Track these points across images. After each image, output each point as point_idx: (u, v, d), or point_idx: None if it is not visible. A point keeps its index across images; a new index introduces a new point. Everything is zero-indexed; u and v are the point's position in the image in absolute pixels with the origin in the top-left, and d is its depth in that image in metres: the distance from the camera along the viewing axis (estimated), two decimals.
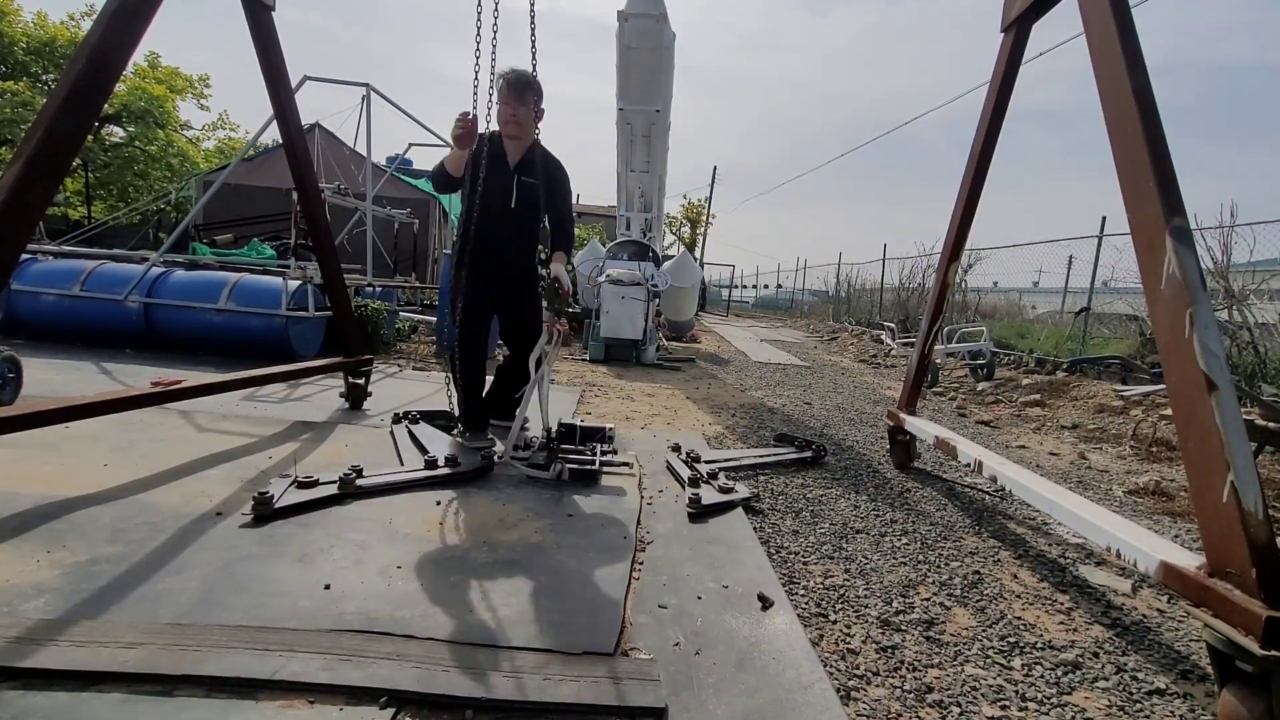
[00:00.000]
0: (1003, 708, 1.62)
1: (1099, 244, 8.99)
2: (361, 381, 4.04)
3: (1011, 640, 1.95)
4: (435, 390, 4.93)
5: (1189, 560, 1.74)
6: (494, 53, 2.85)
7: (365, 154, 8.55)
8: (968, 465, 3.00)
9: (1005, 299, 14.26)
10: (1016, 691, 1.69)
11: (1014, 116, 3.53)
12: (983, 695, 1.66)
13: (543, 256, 3.41)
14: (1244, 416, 1.93)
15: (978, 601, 2.19)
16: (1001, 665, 1.82)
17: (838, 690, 1.60)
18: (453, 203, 12.15)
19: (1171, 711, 1.68)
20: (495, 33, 2.83)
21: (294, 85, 3.61)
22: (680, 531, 2.51)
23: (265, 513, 2.24)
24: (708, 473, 3.10)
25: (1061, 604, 2.24)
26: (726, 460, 3.50)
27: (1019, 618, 2.10)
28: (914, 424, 3.64)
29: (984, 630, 2.00)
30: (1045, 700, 1.67)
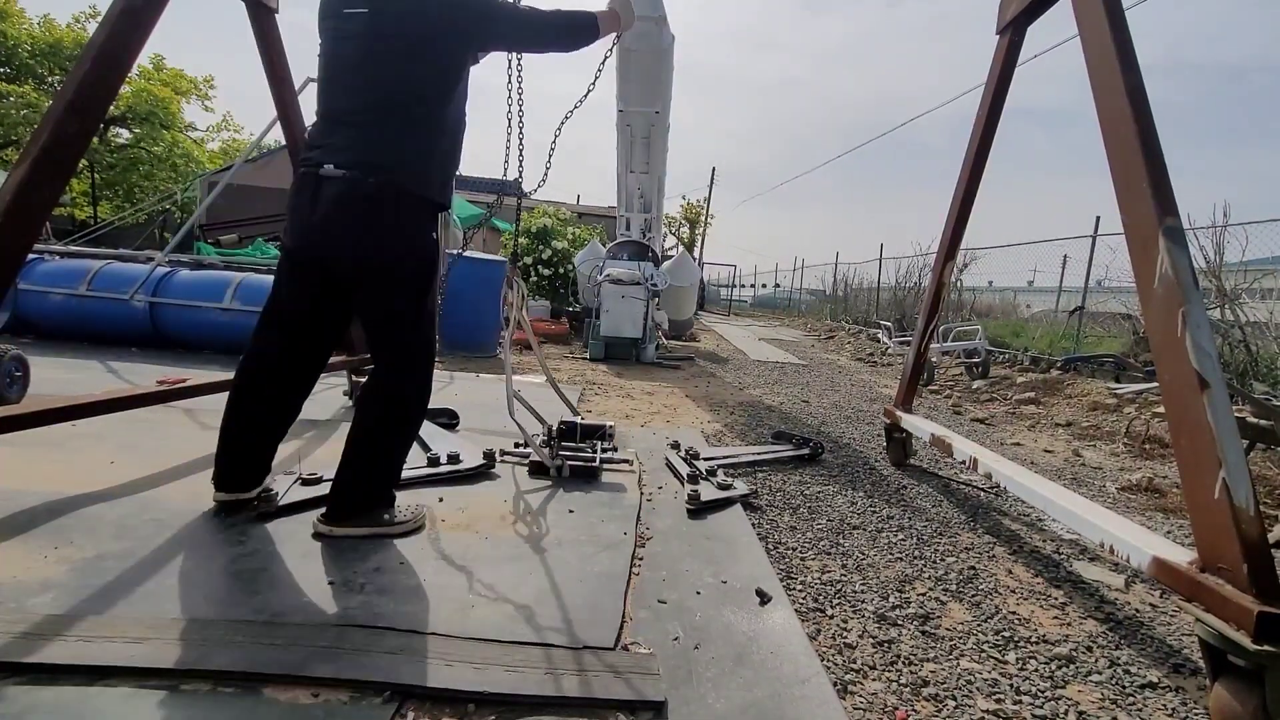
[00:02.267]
0: (997, 701, 1.64)
1: (1093, 244, 9.04)
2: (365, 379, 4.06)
3: (1006, 635, 1.98)
4: (438, 388, 4.93)
5: (1181, 556, 1.76)
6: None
7: None
8: (963, 462, 3.03)
9: (1000, 298, 14.31)
10: (1011, 685, 1.72)
11: (1010, 116, 3.56)
12: (978, 689, 1.69)
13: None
14: (1235, 414, 1.95)
15: (973, 596, 2.22)
16: (996, 659, 1.84)
17: (835, 684, 1.62)
18: (455, 201, 12.16)
19: (1164, 705, 1.70)
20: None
21: (297, 86, 3.63)
22: (679, 527, 2.54)
23: (269, 510, 2.26)
24: (706, 469, 3.13)
25: (1055, 599, 2.26)
26: (725, 457, 3.52)
27: (1014, 613, 2.13)
28: (910, 421, 3.66)
29: (979, 625, 2.03)
30: (1039, 694, 1.69)
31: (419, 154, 2.02)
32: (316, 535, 2.13)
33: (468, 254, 7.04)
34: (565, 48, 2.30)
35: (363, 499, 2.19)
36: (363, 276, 2.07)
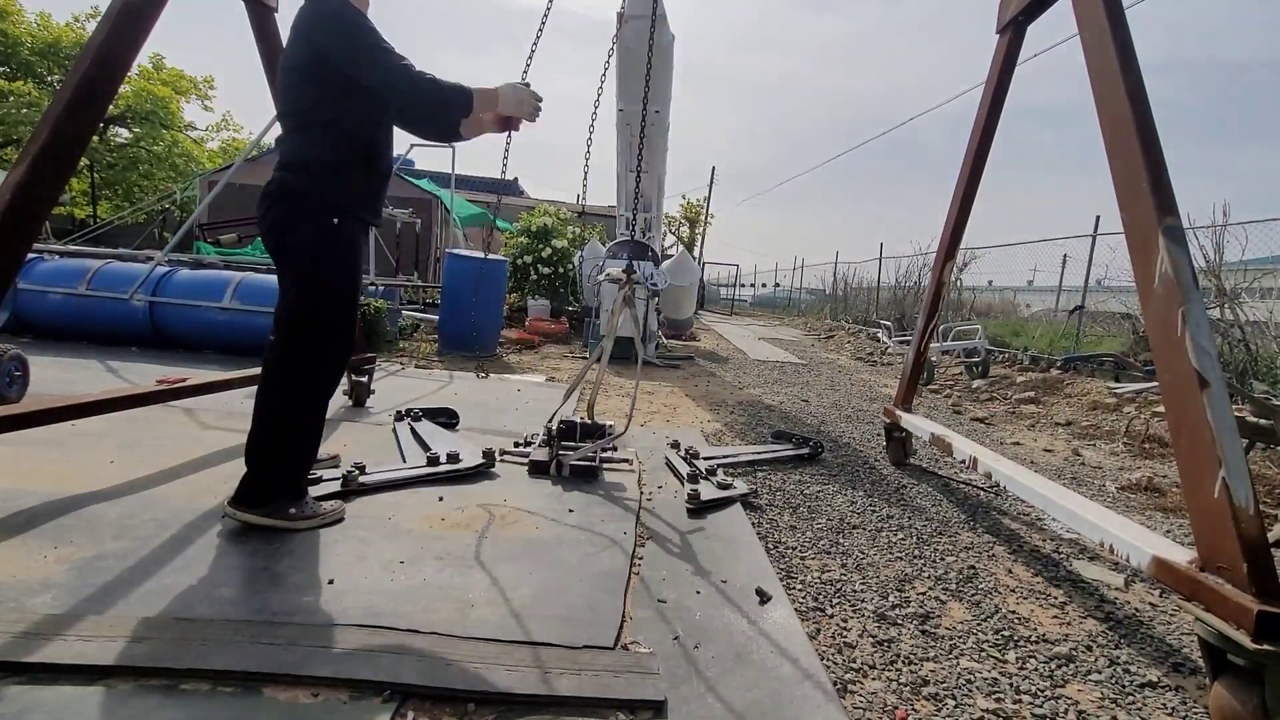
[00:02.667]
0: (997, 700, 1.65)
1: (1093, 243, 9.03)
2: (364, 379, 4.06)
3: (1006, 634, 1.98)
4: (438, 388, 4.96)
5: (1181, 555, 1.76)
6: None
7: None
8: (963, 461, 3.03)
9: (1000, 297, 14.32)
10: (1011, 684, 1.72)
11: (1011, 114, 3.56)
12: (977, 688, 1.69)
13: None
14: (1235, 413, 1.95)
15: (973, 596, 2.22)
16: (996, 659, 1.84)
17: (835, 683, 1.63)
18: (454, 201, 12.17)
19: (1163, 704, 1.70)
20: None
21: None
22: (679, 527, 2.54)
23: None
24: (706, 469, 3.13)
25: (1055, 598, 2.27)
26: (725, 457, 3.52)
27: (1013, 612, 2.13)
28: (910, 421, 3.66)
29: (979, 624, 2.03)
30: (1039, 693, 1.69)
31: (312, 160, 2.19)
32: (224, 516, 2.19)
33: (465, 253, 7.05)
34: (431, 121, 2.34)
35: (262, 485, 2.19)
36: (273, 256, 2.30)
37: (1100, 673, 1.82)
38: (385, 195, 2.46)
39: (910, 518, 2.94)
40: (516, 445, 3.29)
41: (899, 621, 2.00)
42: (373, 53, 2.12)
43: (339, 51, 2.12)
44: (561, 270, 10.61)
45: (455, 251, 7.39)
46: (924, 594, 2.20)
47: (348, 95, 2.17)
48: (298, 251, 2.19)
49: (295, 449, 2.24)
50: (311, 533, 2.16)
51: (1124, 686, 1.77)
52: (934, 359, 8.08)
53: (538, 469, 3.00)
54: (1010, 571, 2.46)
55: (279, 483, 2.21)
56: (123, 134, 21.62)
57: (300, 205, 2.18)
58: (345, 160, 2.22)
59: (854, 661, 1.76)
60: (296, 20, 2.19)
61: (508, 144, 2.63)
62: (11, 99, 17.68)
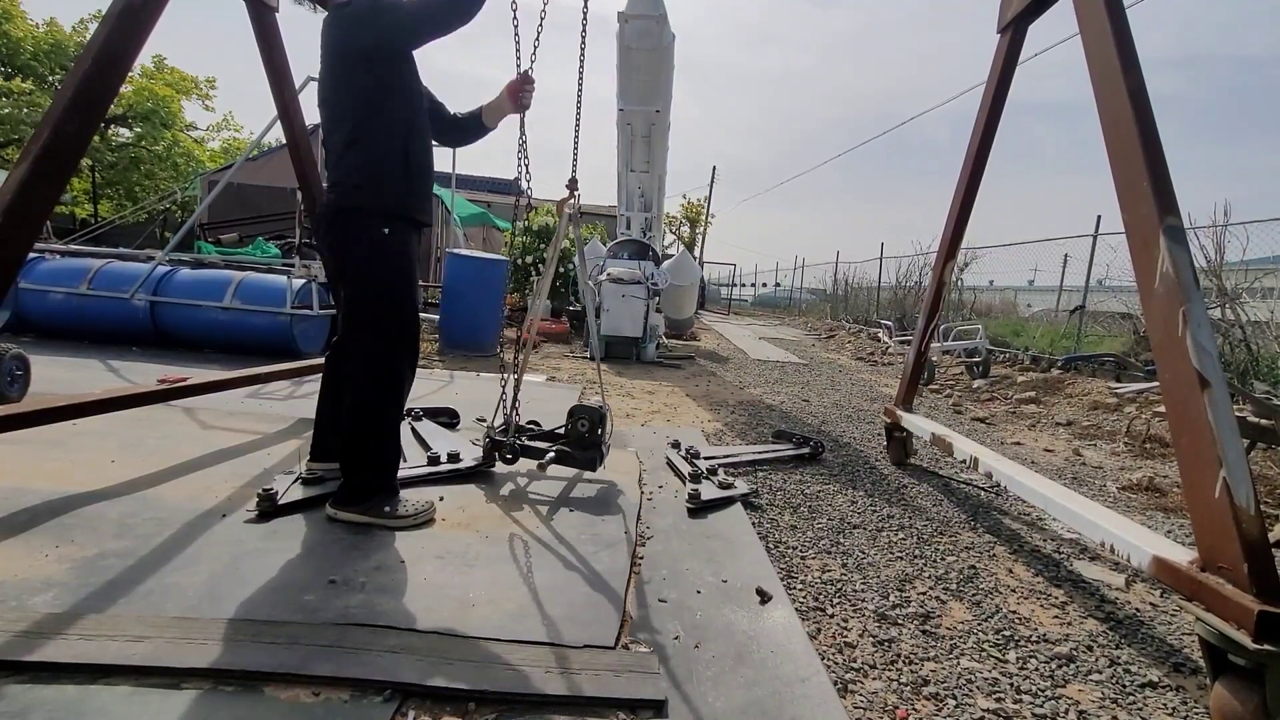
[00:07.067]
0: (998, 700, 1.64)
1: (1094, 243, 9.03)
2: None
3: (1007, 634, 1.98)
4: (438, 388, 4.96)
5: (1182, 555, 1.76)
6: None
7: None
8: (963, 461, 3.03)
9: (1001, 297, 14.32)
10: (1011, 684, 1.72)
11: (1012, 111, 3.55)
12: (978, 688, 1.69)
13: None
14: (1236, 413, 1.95)
15: (973, 596, 2.22)
16: (997, 658, 1.84)
17: (835, 683, 1.63)
18: (455, 200, 12.16)
19: (1164, 704, 1.70)
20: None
21: (298, 85, 3.63)
22: (680, 526, 2.54)
23: (269, 508, 2.26)
24: (707, 469, 3.12)
25: (1056, 598, 2.26)
26: (725, 456, 3.52)
27: (1014, 612, 2.13)
28: (910, 420, 3.66)
29: (979, 624, 2.03)
30: (1040, 693, 1.69)
31: (355, 176, 2.25)
32: (326, 517, 2.29)
33: (465, 252, 7.05)
34: (457, 19, 2.23)
35: (357, 486, 2.30)
36: (329, 270, 2.43)
37: (1101, 673, 1.82)
38: (430, 193, 2.49)
39: (911, 517, 2.93)
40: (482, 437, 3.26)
41: (899, 621, 1.99)
42: (386, 9, 2.16)
43: (355, 32, 2.16)
44: (562, 270, 10.60)
45: (455, 251, 7.39)
46: (924, 594, 2.20)
47: (374, 99, 2.22)
48: (355, 264, 2.27)
49: (378, 449, 2.33)
50: (311, 533, 2.17)
51: (1124, 686, 1.76)
52: (935, 359, 8.09)
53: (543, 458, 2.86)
54: (1011, 571, 2.46)
55: (371, 482, 2.31)
56: (124, 133, 21.65)
57: (352, 221, 2.25)
58: (385, 169, 2.27)
59: (854, 661, 1.76)
60: (323, 31, 2.22)
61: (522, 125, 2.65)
62: (12, 98, 17.71)
